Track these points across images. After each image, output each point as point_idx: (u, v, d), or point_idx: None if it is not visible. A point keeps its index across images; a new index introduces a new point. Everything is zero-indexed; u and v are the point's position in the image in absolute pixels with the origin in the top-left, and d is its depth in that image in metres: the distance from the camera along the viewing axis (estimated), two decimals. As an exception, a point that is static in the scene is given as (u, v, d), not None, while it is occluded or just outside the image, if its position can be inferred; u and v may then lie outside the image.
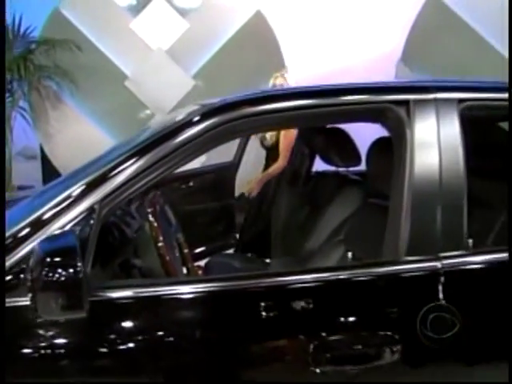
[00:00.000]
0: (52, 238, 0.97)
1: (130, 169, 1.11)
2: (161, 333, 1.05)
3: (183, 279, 1.44)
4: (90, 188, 1.08)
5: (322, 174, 2.31)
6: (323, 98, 1.28)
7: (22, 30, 4.57)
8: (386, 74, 4.56)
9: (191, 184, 2.43)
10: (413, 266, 1.12)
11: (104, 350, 1.02)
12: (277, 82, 3.46)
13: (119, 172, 1.10)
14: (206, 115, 1.17)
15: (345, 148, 2.03)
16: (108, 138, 5.01)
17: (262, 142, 3.38)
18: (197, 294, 1.09)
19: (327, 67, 4.64)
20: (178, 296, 1.09)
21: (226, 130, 1.16)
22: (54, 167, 4.96)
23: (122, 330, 1.04)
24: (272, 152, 3.26)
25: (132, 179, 1.10)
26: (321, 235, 1.94)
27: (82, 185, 1.09)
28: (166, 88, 4.89)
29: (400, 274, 1.13)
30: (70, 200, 1.06)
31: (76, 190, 1.07)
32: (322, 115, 1.30)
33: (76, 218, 1.04)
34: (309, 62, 4.76)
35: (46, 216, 1.04)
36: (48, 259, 0.88)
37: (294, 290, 1.12)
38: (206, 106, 1.25)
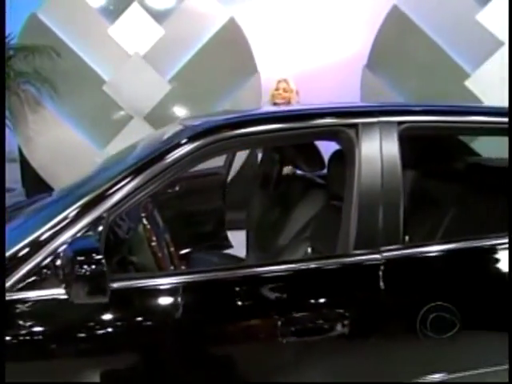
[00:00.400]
0: (76, 241, 1.23)
1: (127, 187, 1.35)
2: (154, 315, 1.33)
3: (173, 272, 1.72)
4: (94, 203, 1.33)
5: (290, 178, 2.60)
6: (291, 122, 1.56)
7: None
8: (352, 77, 4.92)
9: (181, 187, 2.66)
10: (358, 258, 1.42)
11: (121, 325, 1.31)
12: (280, 86, 3.82)
13: (117, 190, 1.34)
14: (191, 138, 1.44)
15: (310, 155, 2.32)
16: (87, 141, 5.22)
17: None
18: (184, 284, 1.37)
19: (297, 71, 4.94)
20: (170, 286, 1.37)
21: (208, 150, 1.43)
22: (33, 169, 5.13)
23: (131, 312, 1.32)
24: None
25: (128, 196, 1.34)
26: (289, 233, 2.23)
27: (85, 202, 1.34)
28: (142, 92, 5.11)
29: (348, 264, 1.43)
30: (80, 212, 1.32)
31: (82, 205, 1.33)
32: (290, 137, 1.59)
33: (87, 224, 1.31)
34: (280, 66, 5.05)
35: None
36: (78, 258, 1.14)
37: (264, 278, 1.41)
38: (191, 129, 1.52)
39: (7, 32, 4.56)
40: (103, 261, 1.15)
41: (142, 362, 1.32)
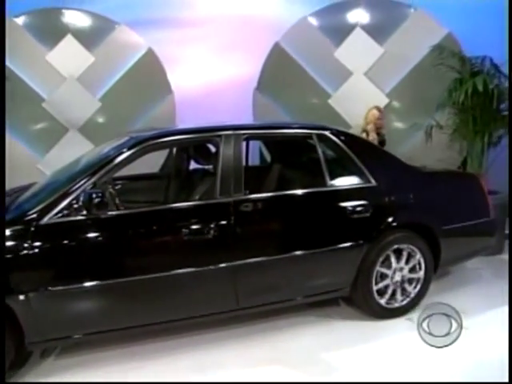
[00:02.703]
0: (86, 191, 2.74)
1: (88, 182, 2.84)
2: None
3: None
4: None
5: (194, 170, 4.16)
6: (189, 134, 3.17)
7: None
8: (246, 96, 6.53)
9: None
10: (221, 200, 3.03)
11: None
12: (374, 111, 5.70)
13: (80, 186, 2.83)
14: (130, 147, 2.97)
15: (205, 154, 3.89)
16: (29, 151, 6.41)
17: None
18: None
19: (203, 92, 6.52)
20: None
21: (141, 152, 2.98)
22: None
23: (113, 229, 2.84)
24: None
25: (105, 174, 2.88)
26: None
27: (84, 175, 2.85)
28: (76, 108, 6.36)
29: (216, 203, 3.04)
30: (84, 180, 2.83)
31: (85, 175, 2.84)
32: (189, 142, 3.20)
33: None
34: (190, 87, 6.58)
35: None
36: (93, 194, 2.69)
37: (179, 209, 2.99)
38: (131, 140, 3.05)
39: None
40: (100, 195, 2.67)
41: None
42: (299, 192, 3.33)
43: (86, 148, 6.24)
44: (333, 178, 3.46)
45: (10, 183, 5.86)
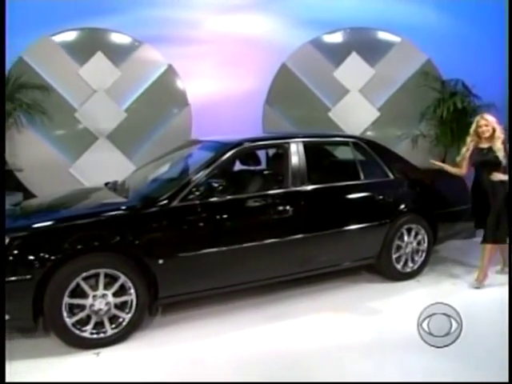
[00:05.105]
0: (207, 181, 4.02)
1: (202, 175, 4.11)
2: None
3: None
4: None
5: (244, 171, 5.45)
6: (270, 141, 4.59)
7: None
8: (254, 108, 7.83)
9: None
10: (295, 189, 4.38)
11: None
12: (482, 123, 4.95)
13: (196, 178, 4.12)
14: (230, 149, 4.26)
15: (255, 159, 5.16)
16: (62, 156, 7.39)
17: (486, 161, 4.88)
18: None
19: (217, 105, 7.79)
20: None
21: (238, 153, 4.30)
22: (15, 179, 7.21)
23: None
24: (497, 166, 4.83)
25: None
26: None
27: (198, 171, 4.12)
28: (105, 118, 7.46)
29: (289, 191, 4.39)
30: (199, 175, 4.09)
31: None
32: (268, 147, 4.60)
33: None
34: (206, 101, 7.81)
35: None
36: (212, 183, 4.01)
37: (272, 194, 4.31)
38: (223, 143, 4.35)
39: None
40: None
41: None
42: (343, 184, 4.72)
43: (113, 154, 7.46)
44: (364, 173, 4.88)
45: (43, 184, 6.99)
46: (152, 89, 7.64)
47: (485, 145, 4.94)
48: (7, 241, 3.43)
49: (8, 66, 6.87)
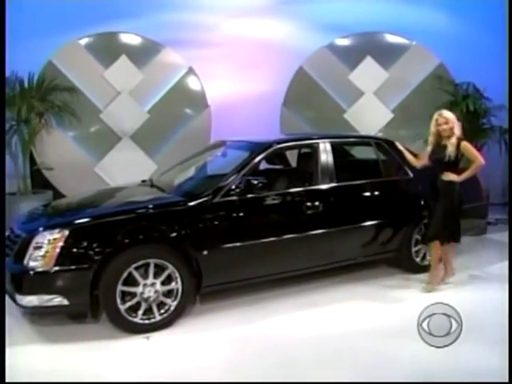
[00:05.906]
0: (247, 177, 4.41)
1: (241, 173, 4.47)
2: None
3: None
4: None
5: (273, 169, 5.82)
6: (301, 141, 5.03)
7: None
8: (272, 110, 8.19)
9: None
10: (321, 187, 4.77)
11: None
12: (440, 121, 4.72)
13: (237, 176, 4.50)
14: (265, 149, 4.65)
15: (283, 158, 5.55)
16: (87, 156, 7.79)
17: (440, 160, 4.72)
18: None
19: (235, 106, 8.16)
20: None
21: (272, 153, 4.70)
22: (44, 178, 7.60)
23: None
24: (450, 165, 4.70)
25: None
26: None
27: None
28: (128, 119, 7.86)
29: (316, 189, 4.79)
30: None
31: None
32: (299, 147, 4.99)
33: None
34: (224, 102, 8.17)
35: None
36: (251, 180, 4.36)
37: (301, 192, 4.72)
38: (259, 143, 4.73)
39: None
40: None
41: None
42: (367, 181, 5.11)
43: (136, 154, 7.83)
44: (385, 172, 5.27)
45: (69, 182, 7.35)
46: (173, 90, 8.07)
47: (445, 142, 4.78)
48: (67, 233, 3.80)
49: (35, 68, 7.27)
